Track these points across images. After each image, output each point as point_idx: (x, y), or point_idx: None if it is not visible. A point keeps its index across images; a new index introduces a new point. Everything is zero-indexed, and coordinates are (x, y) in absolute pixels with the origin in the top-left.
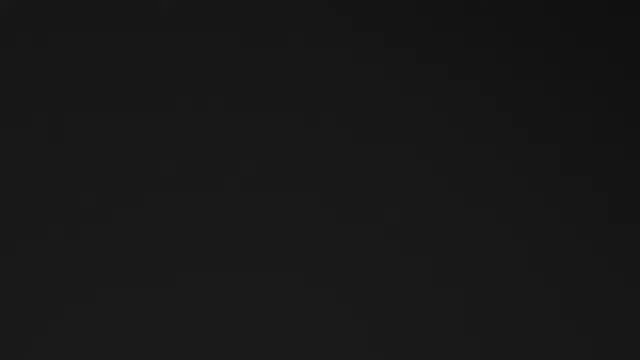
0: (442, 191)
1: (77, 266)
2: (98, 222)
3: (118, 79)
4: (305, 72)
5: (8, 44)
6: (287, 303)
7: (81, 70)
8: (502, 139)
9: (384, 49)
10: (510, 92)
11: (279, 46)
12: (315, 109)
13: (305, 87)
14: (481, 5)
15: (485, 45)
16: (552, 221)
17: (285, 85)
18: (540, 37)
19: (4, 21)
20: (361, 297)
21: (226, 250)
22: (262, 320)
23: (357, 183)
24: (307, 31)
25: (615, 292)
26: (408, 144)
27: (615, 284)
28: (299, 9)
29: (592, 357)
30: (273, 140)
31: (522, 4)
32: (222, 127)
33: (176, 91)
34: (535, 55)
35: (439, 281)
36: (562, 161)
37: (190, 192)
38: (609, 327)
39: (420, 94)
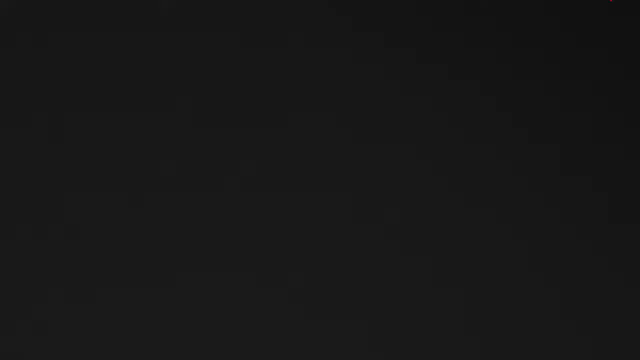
0: (442, 191)
1: (77, 266)
2: (98, 222)
3: (118, 79)
4: (305, 72)
5: (8, 44)
6: (287, 303)
7: (81, 70)
8: (502, 139)
9: (384, 49)
10: (510, 92)
11: (279, 46)
12: (315, 109)
13: (305, 87)
14: (481, 5)
15: (485, 45)
16: (552, 221)
17: (285, 85)
18: (540, 37)
19: (4, 21)
20: (361, 297)
21: (226, 250)
22: (262, 320)
23: (357, 183)
24: (307, 31)
25: (615, 292)
26: (408, 144)
27: (615, 284)
28: (299, 9)
29: (592, 357)
30: (273, 140)
31: (522, 4)
32: (222, 127)
33: (176, 91)
34: (535, 55)
35: (439, 281)
36: (562, 161)
37: (190, 192)
38: (609, 327)
39: (420, 94)
